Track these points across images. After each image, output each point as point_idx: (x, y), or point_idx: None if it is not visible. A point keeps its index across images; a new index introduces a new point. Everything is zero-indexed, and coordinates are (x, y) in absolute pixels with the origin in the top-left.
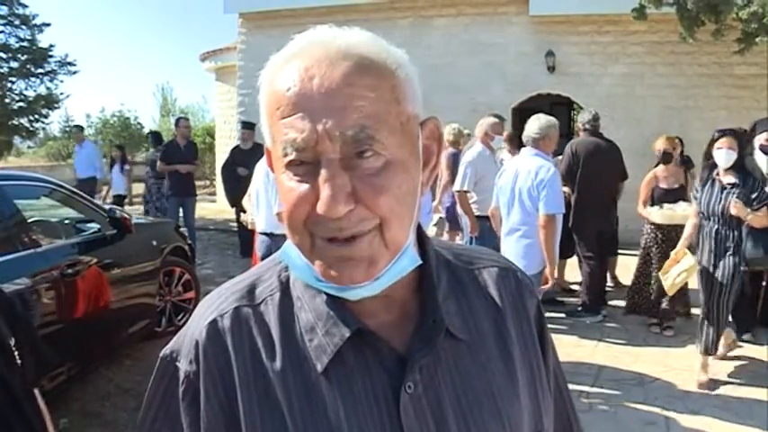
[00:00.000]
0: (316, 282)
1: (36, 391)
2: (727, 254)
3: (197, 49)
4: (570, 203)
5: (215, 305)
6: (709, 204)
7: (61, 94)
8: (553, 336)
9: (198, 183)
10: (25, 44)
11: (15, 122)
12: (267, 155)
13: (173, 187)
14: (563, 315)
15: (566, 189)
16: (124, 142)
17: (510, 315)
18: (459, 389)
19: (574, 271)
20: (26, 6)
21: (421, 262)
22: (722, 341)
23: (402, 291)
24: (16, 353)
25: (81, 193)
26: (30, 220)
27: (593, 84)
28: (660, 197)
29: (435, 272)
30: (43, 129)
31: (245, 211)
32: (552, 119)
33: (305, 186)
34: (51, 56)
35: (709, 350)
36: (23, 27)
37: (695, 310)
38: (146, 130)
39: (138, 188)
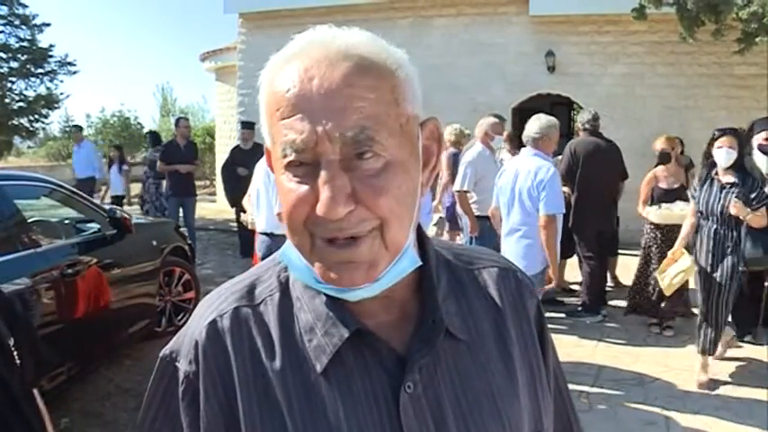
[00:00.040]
0: (315, 283)
1: (35, 392)
2: (726, 254)
3: (197, 49)
4: (570, 203)
5: (215, 305)
6: (708, 204)
7: (61, 94)
8: (553, 336)
9: (198, 183)
10: (25, 44)
11: (15, 122)
12: (267, 155)
13: (173, 187)
14: (563, 315)
15: (565, 189)
16: (124, 142)
17: (510, 315)
18: (458, 389)
19: (574, 271)
20: (26, 6)
21: (421, 263)
22: (721, 340)
23: (402, 291)
24: (15, 353)
25: (81, 192)
26: (30, 220)
27: (593, 84)
28: (660, 197)
29: (435, 272)
30: (43, 129)
31: (245, 211)
32: (553, 119)
33: (304, 187)
34: (51, 56)
35: (708, 351)
36: (23, 27)
37: (695, 310)
38: (146, 131)
39: (136, 189)
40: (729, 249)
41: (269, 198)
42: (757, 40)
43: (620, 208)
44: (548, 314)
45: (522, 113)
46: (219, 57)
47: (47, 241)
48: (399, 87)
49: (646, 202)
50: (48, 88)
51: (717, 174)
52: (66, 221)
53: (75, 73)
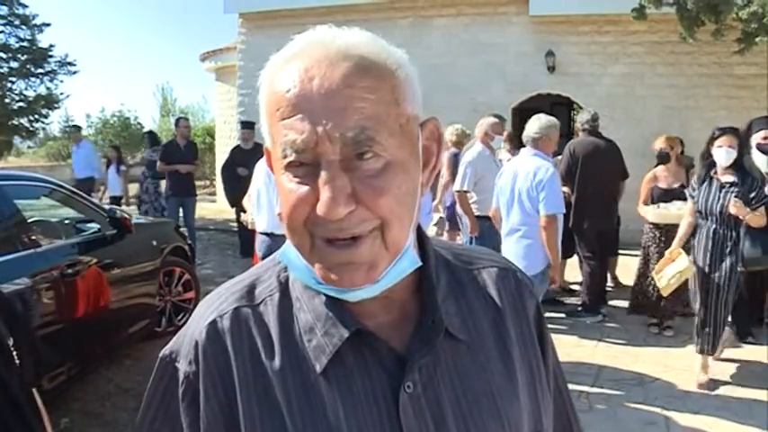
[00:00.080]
0: (315, 283)
1: (34, 392)
2: (725, 254)
3: (197, 49)
4: (570, 204)
5: (214, 305)
6: (707, 203)
7: (61, 94)
8: (553, 336)
9: (198, 183)
10: (25, 44)
11: (15, 122)
12: (267, 155)
13: (173, 187)
14: (563, 315)
15: (565, 189)
16: (124, 142)
17: (509, 315)
18: (458, 389)
19: (574, 271)
20: (26, 6)
21: (421, 263)
22: (720, 341)
23: (401, 291)
24: (14, 353)
25: (81, 192)
26: (30, 220)
27: (593, 84)
28: (659, 197)
29: (435, 272)
30: (43, 129)
31: (245, 211)
32: (553, 119)
33: (305, 188)
34: (51, 56)
35: (707, 351)
36: (23, 27)
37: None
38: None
39: (135, 189)
40: (728, 249)
41: (270, 198)
42: (757, 40)
43: (621, 208)
44: (548, 314)
45: (522, 113)
46: (219, 57)
47: (47, 241)
48: (399, 87)
49: (646, 201)
50: (48, 88)
51: (716, 173)
52: (67, 221)
53: (75, 73)
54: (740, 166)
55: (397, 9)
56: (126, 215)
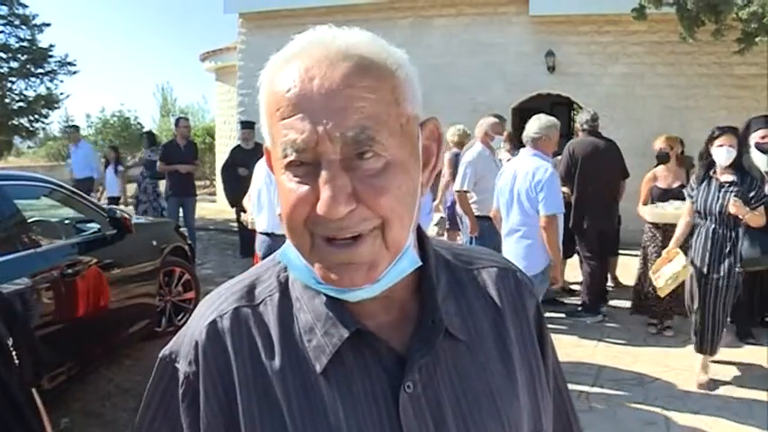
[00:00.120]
0: (315, 283)
1: (34, 392)
2: (725, 254)
3: (197, 49)
4: (570, 204)
5: (214, 306)
6: (706, 203)
7: (61, 94)
8: (553, 336)
9: (198, 183)
10: (25, 44)
11: (15, 122)
12: (267, 155)
13: (173, 187)
14: (563, 315)
15: (565, 190)
16: (124, 142)
17: (509, 315)
18: (458, 389)
19: (574, 271)
20: (26, 6)
21: (420, 263)
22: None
23: (401, 291)
24: (14, 353)
25: (81, 192)
26: (30, 220)
27: (593, 84)
28: (658, 196)
29: (435, 272)
30: (43, 129)
31: (245, 211)
32: (553, 119)
33: (305, 187)
34: (51, 56)
35: (706, 351)
36: (23, 27)
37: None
38: (148, 130)
39: (132, 189)
40: (728, 249)
41: (270, 198)
42: (757, 40)
43: (621, 208)
44: (548, 314)
45: (522, 113)
46: (219, 57)
47: (47, 241)
48: (400, 87)
49: (645, 201)
50: (48, 88)
51: (715, 173)
52: (67, 221)
53: (75, 73)
54: (739, 165)
55: (397, 9)
56: (126, 215)
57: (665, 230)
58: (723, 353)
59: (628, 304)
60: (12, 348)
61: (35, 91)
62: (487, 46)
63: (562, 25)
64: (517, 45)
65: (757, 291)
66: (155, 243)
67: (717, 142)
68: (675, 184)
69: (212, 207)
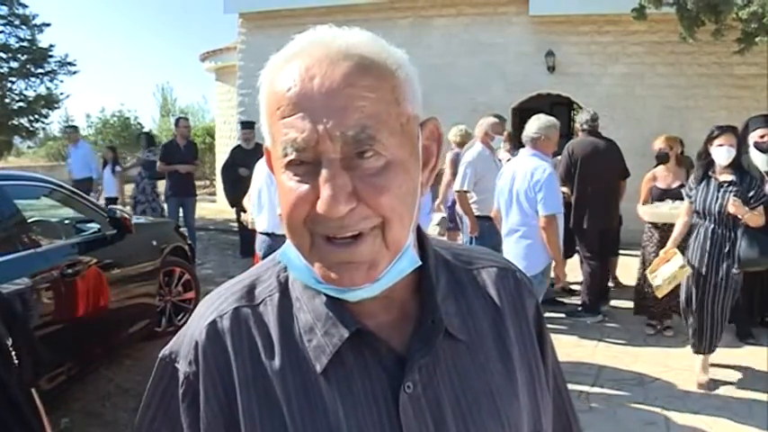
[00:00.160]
0: (315, 283)
1: (33, 392)
2: (724, 254)
3: (197, 49)
4: (570, 204)
5: (214, 306)
6: (705, 203)
7: (61, 94)
8: (553, 336)
9: (198, 183)
10: (25, 44)
11: (15, 122)
12: (266, 155)
13: (173, 187)
14: (563, 315)
15: (565, 190)
16: (124, 142)
17: (509, 315)
18: (458, 389)
19: (574, 271)
20: (26, 6)
21: (420, 263)
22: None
23: (401, 291)
24: (13, 353)
25: (81, 192)
26: (30, 220)
27: (593, 84)
28: (658, 196)
29: (434, 272)
30: (43, 129)
31: (245, 211)
32: (553, 119)
33: (305, 186)
34: (51, 56)
35: (705, 351)
36: (23, 27)
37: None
38: (146, 131)
39: (130, 190)
40: (727, 249)
41: (271, 198)
42: (757, 40)
43: (621, 208)
44: (548, 314)
45: (522, 113)
46: (219, 57)
47: (47, 241)
48: (400, 87)
49: (645, 201)
50: (48, 88)
51: (714, 172)
52: (67, 221)
53: (75, 73)
54: (738, 164)
55: (397, 9)
56: (126, 215)
57: (663, 230)
58: (723, 353)
59: (628, 304)
60: (11, 348)
61: (35, 91)
62: (487, 46)
63: (562, 25)
64: (517, 45)
65: (757, 291)
66: (155, 243)
67: (716, 142)
68: (675, 185)
69: (212, 207)
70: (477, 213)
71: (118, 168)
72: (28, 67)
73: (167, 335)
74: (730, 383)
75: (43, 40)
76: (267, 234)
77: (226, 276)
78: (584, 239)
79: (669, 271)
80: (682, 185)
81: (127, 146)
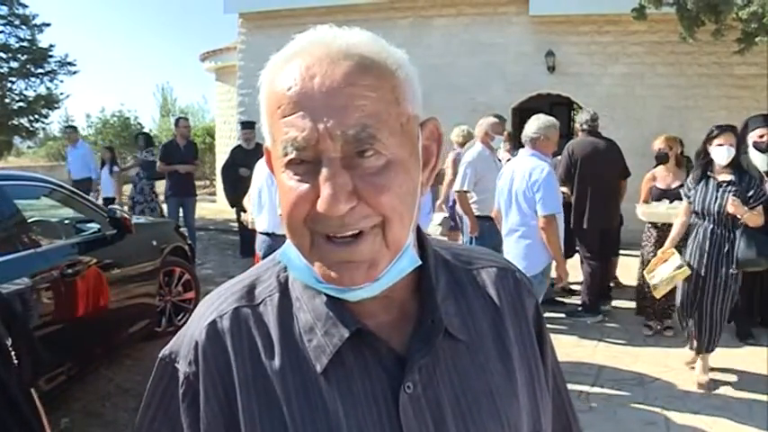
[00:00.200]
0: (315, 283)
1: (33, 392)
2: (723, 254)
3: (197, 49)
4: (570, 204)
5: (214, 306)
6: (704, 203)
7: (61, 94)
8: (553, 336)
9: (198, 183)
10: (25, 44)
11: (15, 122)
12: (267, 155)
13: (173, 187)
14: (563, 315)
15: (565, 190)
16: (124, 142)
17: (508, 315)
18: (457, 389)
19: (574, 271)
20: (26, 6)
21: (420, 263)
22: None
23: (401, 291)
24: (13, 353)
25: (81, 192)
26: (30, 220)
27: (593, 84)
28: (657, 196)
29: (434, 272)
30: (43, 129)
31: (245, 211)
32: (552, 119)
33: (305, 185)
34: (51, 56)
35: (704, 351)
36: (23, 27)
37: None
38: (146, 131)
39: (128, 190)
40: (726, 249)
41: (271, 198)
42: (757, 40)
43: (621, 208)
44: (548, 314)
45: (522, 113)
46: (219, 57)
47: (47, 241)
48: (400, 87)
49: (645, 201)
50: (48, 88)
51: (713, 172)
52: (66, 221)
53: (75, 73)
54: (737, 164)
55: (397, 9)
56: (126, 215)
57: (662, 230)
58: (723, 353)
59: (628, 304)
60: (11, 348)
61: (35, 91)
62: (487, 46)
63: (562, 25)
64: (517, 45)
65: (757, 291)
66: (155, 243)
67: (716, 141)
68: (675, 185)
69: (212, 207)
70: (477, 213)
71: (115, 169)
72: (28, 67)
73: (167, 335)
74: (730, 383)
75: (43, 40)
76: (267, 234)
77: (226, 276)
78: (585, 239)
79: (667, 271)
80: (681, 185)
81: (127, 146)
